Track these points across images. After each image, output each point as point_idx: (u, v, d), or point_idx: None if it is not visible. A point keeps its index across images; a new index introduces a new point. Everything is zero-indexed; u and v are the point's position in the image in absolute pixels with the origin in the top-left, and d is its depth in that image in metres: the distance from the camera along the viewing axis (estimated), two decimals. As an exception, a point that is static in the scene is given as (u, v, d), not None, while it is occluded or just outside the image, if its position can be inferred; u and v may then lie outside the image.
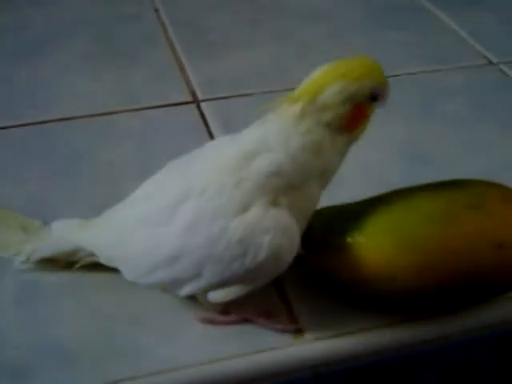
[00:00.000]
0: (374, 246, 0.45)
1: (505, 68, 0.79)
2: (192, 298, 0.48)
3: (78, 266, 0.51)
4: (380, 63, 0.44)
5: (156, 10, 0.90)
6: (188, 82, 0.74)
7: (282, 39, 0.84)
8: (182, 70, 0.77)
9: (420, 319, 0.48)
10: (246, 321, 0.48)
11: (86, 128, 0.67)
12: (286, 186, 0.44)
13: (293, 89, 0.44)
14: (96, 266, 0.50)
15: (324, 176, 0.45)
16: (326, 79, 0.43)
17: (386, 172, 0.63)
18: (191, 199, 0.44)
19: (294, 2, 0.93)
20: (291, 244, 0.44)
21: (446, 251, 0.44)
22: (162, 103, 0.71)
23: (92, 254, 0.50)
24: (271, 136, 0.44)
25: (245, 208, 0.43)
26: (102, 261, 0.49)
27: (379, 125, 0.68)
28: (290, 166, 0.43)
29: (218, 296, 0.46)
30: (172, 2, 0.92)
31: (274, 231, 0.43)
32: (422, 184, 0.48)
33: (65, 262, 0.51)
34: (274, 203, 0.43)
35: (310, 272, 0.51)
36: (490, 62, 0.80)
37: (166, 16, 0.89)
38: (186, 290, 0.46)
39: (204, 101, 0.71)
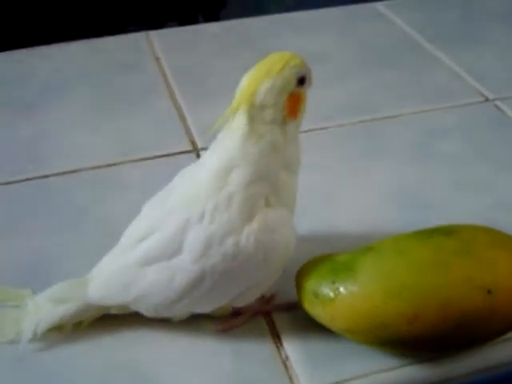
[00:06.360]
0: (365, 294, 0.46)
1: (501, 104, 0.80)
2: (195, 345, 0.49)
3: (85, 324, 0.52)
4: (296, 53, 0.48)
5: (157, 59, 0.91)
6: (188, 131, 0.76)
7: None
8: (182, 118, 0.78)
9: (413, 364, 0.49)
10: (257, 314, 0.52)
11: (87, 181, 0.68)
12: (267, 186, 0.47)
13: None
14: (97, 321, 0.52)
15: (290, 164, 0.49)
16: (254, 83, 0.47)
17: (380, 214, 0.63)
18: (192, 228, 0.47)
19: (292, 45, 0.94)
20: (292, 233, 0.49)
21: (436, 299, 0.44)
22: (162, 153, 0.72)
23: (99, 309, 0.51)
24: (232, 152, 0.47)
25: (248, 218, 0.47)
26: (113, 310, 0.51)
27: (374, 166, 0.70)
28: (259, 172, 0.47)
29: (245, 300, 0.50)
30: (173, 50, 0.93)
31: (279, 228, 0.48)
32: (413, 231, 0.49)
33: (71, 325, 0.51)
34: (269, 205, 0.48)
35: (303, 318, 0.51)
36: (486, 99, 0.81)
37: (166, 64, 0.90)
38: (215, 304, 0.49)
39: (203, 149, 0.72)
